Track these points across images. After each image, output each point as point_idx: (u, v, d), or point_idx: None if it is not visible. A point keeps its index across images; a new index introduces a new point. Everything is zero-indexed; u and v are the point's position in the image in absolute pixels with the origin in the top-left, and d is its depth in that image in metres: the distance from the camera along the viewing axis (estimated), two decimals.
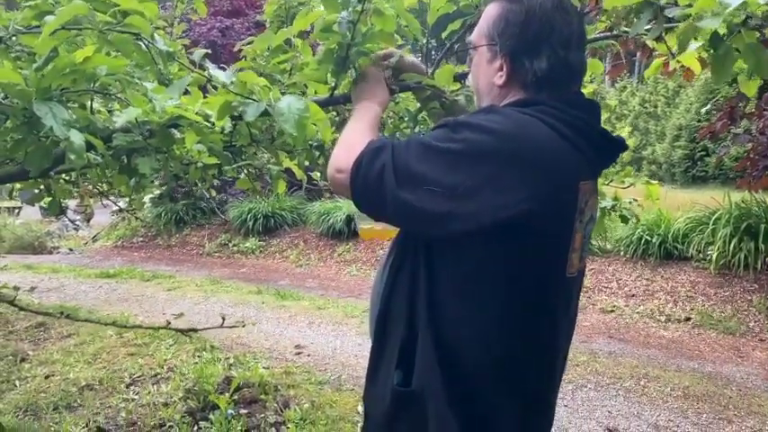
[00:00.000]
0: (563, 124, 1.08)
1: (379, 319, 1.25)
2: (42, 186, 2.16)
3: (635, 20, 1.19)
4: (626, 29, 1.36)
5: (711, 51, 1.07)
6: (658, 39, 1.20)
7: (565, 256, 1.12)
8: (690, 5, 1.04)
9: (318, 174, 2.39)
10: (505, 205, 1.01)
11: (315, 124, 1.41)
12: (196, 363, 4.40)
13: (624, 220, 2.27)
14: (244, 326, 2.44)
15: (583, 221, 1.14)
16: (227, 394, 3.66)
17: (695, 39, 1.06)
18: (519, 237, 1.04)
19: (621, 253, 7.16)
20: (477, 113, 1.14)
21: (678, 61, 1.35)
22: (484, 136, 1.04)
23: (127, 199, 3.09)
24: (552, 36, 1.12)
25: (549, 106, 1.10)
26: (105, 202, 3.13)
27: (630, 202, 2.29)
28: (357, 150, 1.13)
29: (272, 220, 10.36)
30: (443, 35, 1.57)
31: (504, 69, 1.17)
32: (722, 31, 1.03)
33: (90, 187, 2.78)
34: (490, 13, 1.21)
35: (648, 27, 1.18)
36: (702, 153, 15.97)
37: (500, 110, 1.12)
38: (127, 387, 4.04)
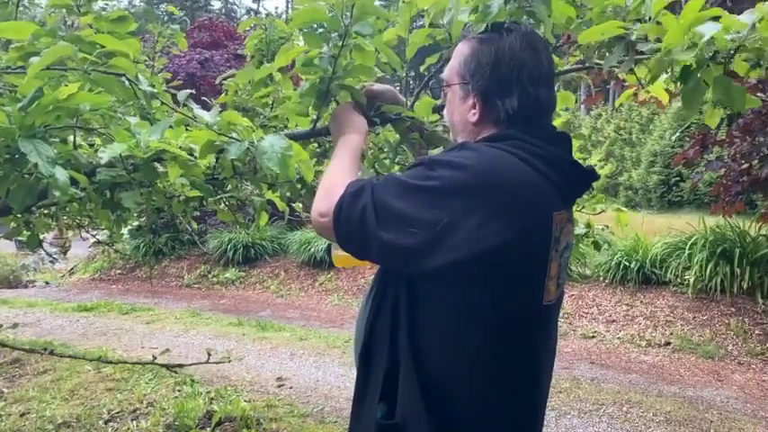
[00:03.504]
0: (534, 157, 1.11)
1: (363, 350, 1.25)
2: (22, 220, 2.14)
3: (607, 54, 1.24)
4: (598, 61, 1.41)
5: (682, 84, 1.11)
6: (629, 71, 1.24)
7: (541, 285, 1.14)
8: (659, 40, 1.08)
9: (300, 205, 2.40)
10: (482, 238, 1.03)
11: (297, 165, 1.43)
12: (176, 397, 4.33)
13: (597, 246, 2.31)
14: (230, 361, 2.42)
15: (558, 250, 1.16)
16: (208, 429, 3.61)
17: (666, 72, 1.11)
18: (496, 268, 1.07)
19: (601, 278, 7.22)
20: (450, 151, 1.17)
21: (648, 92, 1.40)
22: (458, 172, 1.07)
23: (106, 231, 3.07)
24: (522, 75, 1.16)
25: (520, 140, 1.13)
26: (84, 234, 3.10)
27: (603, 229, 2.34)
28: (337, 193, 1.15)
29: (253, 250, 10.29)
30: (422, 68, 1.61)
31: (477, 108, 1.21)
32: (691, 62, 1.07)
33: (68, 220, 2.77)
34: (462, 51, 1.25)
35: (621, 60, 1.23)
36: (677, 178, 16.27)
37: (473, 146, 1.15)
38: (105, 423, 3.95)
